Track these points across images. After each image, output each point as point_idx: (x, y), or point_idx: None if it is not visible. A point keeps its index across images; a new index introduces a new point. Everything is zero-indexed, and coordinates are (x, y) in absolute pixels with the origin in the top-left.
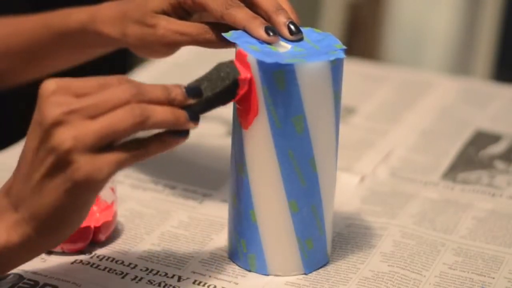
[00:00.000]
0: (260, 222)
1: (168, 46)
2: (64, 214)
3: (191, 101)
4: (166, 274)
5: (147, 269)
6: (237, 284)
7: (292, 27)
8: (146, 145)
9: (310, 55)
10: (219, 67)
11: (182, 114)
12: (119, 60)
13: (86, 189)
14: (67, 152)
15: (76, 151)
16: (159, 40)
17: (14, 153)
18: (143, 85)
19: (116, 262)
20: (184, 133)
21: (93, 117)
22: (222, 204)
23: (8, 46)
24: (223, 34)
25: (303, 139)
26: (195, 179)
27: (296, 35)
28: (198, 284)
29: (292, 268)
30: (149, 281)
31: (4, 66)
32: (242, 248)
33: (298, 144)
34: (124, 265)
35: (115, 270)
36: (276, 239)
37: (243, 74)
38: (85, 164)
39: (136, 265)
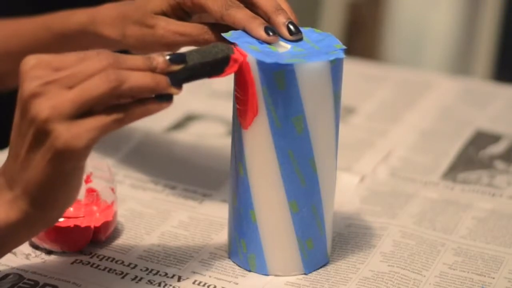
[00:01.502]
0: (260, 222)
1: (168, 47)
2: (53, 185)
3: (175, 68)
4: (166, 274)
5: (147, 269)
6: (237, 284)
7: (291, 27)
8: (127, 109)
9: (310, 55)
10: (216, 44)
11: (162, 79)
12: None
13: (68, 157)
14: (44, 121)
15: (53, 120)
16: (158, 40)
17: None
18: (123, 55)
19: (116, 262)
20: (167, 98)
21: (70, 87)
22: (222, 204)
23: (9, 47)
24: (222, 34)
25: (303, 139)
26: (195, 179)
27: (295, 35)
28: (198, 284)
29: (292, 268)
30: (149, 281)
31: (5, 67)
32: (242, 248)
33: (298, 144)
34: (124, 265)
35: (115, 270)
36: (276, 239)
37: (238, 56)
38: (63, 132)
39: (136, 265)
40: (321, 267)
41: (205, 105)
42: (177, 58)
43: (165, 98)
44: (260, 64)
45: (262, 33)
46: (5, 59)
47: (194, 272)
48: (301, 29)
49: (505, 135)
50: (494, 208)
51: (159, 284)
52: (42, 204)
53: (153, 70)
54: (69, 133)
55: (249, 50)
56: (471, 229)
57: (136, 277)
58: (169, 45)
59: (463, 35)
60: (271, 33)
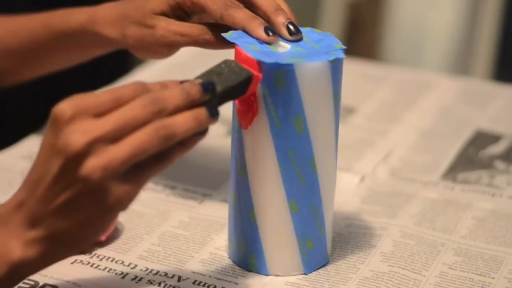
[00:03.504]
0: (260, 222)
1: (167, 47)
2: (89, 232)
3: (207, 97)
4: (166, 274)
5: (147, 269)
6: (237, 284)
7: (291, 27)
8: (169, 155)
9: (309, 55)
10: (228, 63)
11: (203, 115)
12: (119, 60)
13: (117, 211)
14: (97, 182)
15: (105, 180)
16: (158, 41)
17: (13, 153)
18: (161, 95)
19: (116, 262)
20: (205, 131)
21: (116, 140)
22: (222, 204)
23: (7, 45)
24: (222, 34)
25: (303, 139)
26: (195, 179)
27: (295, 35)
28: (198, 284)
29: (292, 268)
30: (149, 281)
31: (4, 64)
32: (242, 248)
33: (298, 144)
34: (124, 265)
35: (115, 270)
36: (276, 239)
37: (257, 73)
38: (115, 190)
39: (136, 265)
40: (321, 267)
41: None
42: (208, 87)
43: (204, 132)
44: (260, 64)
45: (262, 33)
46: (3, 57)
47: (194, 272)
48: (301, 29)
49: (505, 135)
50: (494, 208)
51: (159, 284)
52: (71, 245)
53: (191, 103)
54: (120, 189)
55: (249, 50)
56: (471, 229)
57: (136, 277)
58: (168, 45)
59: (463, 35)
60: (271, 33)
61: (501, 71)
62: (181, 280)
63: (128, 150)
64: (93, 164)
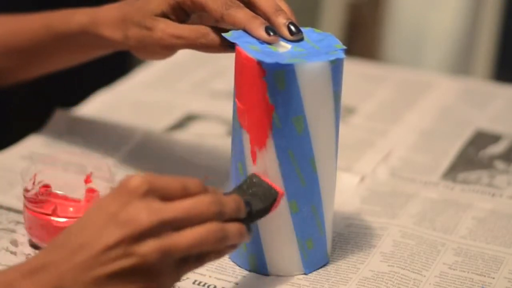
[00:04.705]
0: (260, 222)
1: (165, 49)
2: None
3: (244, 216)
4: None
5: None
6: (237, 284)
7: (292, 27)
8: (206, 257)
9: (310, 55)
10: (260, 183)
11: (244, 231)
12: (119, 60)
13: None
14: (153, 263)
15: (160, 264)
16: (156, 42)
17: (13, 153)
18: (222, 200)
19: None
20: (236, 246)
21: (179, 228)
22: None
23: (8, 45)
24: (223, 34)
25: (303, 139)
26: None
27: (296, 35)
28: (198, 284)
29: (292, 268)
30: None
31: (4, 64)
32: (242, 248)
33: (298, 144)
34: None
35: None
36: (276, 239)
37: (280, 190)
38: (165, 275)
39: None
40: (321, 267)
41: (205, 105)
42: (247, 207)
43: (236, 246)
44: (261, 64)
45: (262, 33)
46: (4, 56)
47: (194, 272)
48: (301, 29)
49: (505, 135)
50: (494, 208)
51: None
52: None
53: (238, 216)
54: (169, 277)
55: (249, 50)
56: (471, 229)
57: None
58: (166, 47)
59: (463, 35)
60: (271, 33)
61: (501, 71)
62: (181, 280)
63: (189, 241)
64: (154, 245)
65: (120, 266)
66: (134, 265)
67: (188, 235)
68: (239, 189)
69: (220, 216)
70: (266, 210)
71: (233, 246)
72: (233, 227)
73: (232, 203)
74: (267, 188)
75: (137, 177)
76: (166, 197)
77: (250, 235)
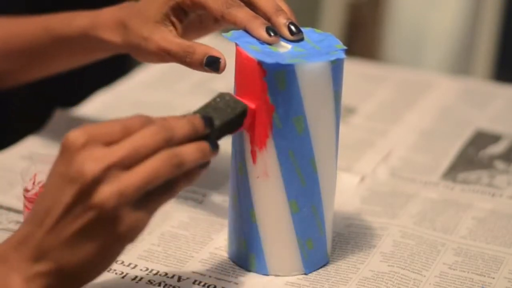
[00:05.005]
0: (260, 222)
1: (157, 59)
2: (97, 264)
3: (208, 131)
4: (166, 274)
5: (147, 269)
6: (237, 284)
7: (292, 27)
8: (175, 186)
9: (310, 55)
10: (223, 96)
11: (206, 148)
12: (119, 60)
13: (129, 241)
14: (111, 209)
15: (119, 207)
16: (151, 51)
17: (13, 153)
18: (168, 124)
19: (116, 262)
20: (206, 164)
21: (129, 167)
22: (222, 204)
23: (8, 47)
24: (223, 34)
25: (304, 139)
26: None
27: (296, 36)
28: (198, 284)
29: (292, 268)
30: (149, 281)
31: (4, 66)
32: (242, 248)
33: (299, 144)
34: (124, 265)
35: (115, 270)
36: (276, 239)
37: (249, 104)
38: (129, 218)
39: (136, 265)
40: (321, 267)
41: None
42: (208, 121)
43: (206, 165)
44: (261, 64)
45: (263, 34)
46: (4, 59)
47: (194, 272)
48: (302, 29)
49: (505, 135)
50: (494, 208)
51: (159, 284)
52: (74, 279)
53: (196, 135)
54: (134, 217)
55: (249, 50)
56: (471, 229)
57: (136, 277)
58: (158, 58)
59: (463, 35)
60: (272, 34)
61: (501, 71)
62: (181, 280)
63: (142, 177)
64: (107, 191)
65: (83, 221)
66: (96, 217)
67: (139, 171)
68: (202, 107)
69: (170, 142)
70: (234, 122)
71: (203, 166)
72: (189, 148)
73: (183, 124)
74: (234, 102)
75: (73, 131)
76: (109, 141)
77: (216, 151)
